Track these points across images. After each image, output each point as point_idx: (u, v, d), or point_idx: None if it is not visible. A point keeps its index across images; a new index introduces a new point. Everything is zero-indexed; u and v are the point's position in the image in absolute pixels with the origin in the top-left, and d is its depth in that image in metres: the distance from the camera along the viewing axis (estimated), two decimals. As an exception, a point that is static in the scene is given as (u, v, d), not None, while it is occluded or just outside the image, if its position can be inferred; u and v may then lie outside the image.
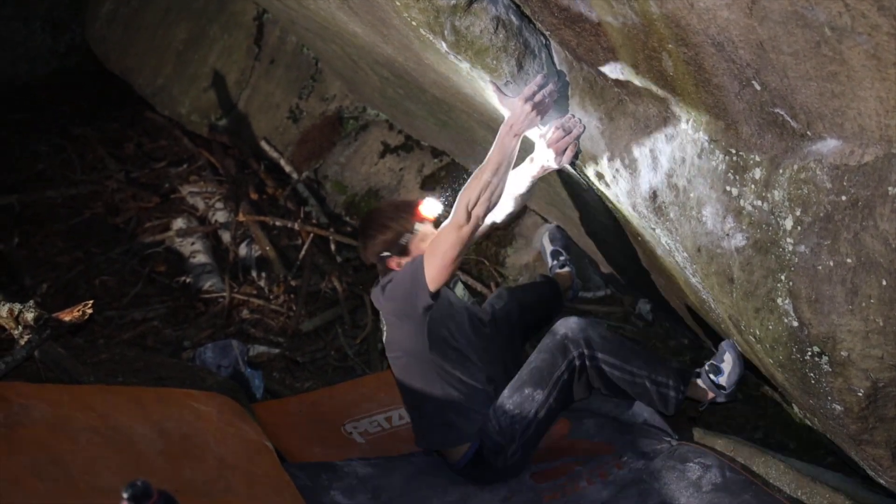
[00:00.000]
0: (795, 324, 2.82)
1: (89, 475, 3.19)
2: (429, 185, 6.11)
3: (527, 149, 3.52)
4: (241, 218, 6.38)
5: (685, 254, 3.19)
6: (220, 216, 6.61)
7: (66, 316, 4.05)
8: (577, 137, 3.36)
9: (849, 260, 2.55)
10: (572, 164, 3.50)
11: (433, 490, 3.88)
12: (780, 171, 2.68)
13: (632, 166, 3.19)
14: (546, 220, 5.42)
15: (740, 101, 2.66)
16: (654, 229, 3.26)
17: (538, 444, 3.82)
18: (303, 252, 6.00)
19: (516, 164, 3.52)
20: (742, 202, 2.84)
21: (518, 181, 3.75)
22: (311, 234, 6.15)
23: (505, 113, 3.32)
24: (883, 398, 2.80)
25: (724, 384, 3.61)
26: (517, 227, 5.65)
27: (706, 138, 2.91)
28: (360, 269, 5.97)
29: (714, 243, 3.01)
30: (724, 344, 3.61)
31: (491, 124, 3.89)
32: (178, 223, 6.58)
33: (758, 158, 2.75)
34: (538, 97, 3.21)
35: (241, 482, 3.59)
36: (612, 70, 3.07)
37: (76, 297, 5.32)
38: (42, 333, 3.98)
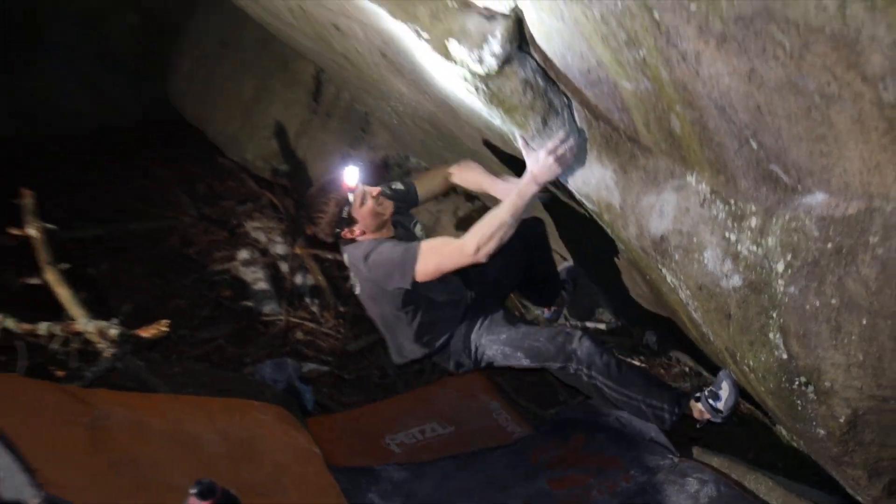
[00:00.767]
0: (785, 356, 2.80)
1: (161, 473, 3.21)
2: (463, 226, 6.10)
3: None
4: (297, 251, 6.42)
5: (688, 291, 3.17)
6: (279, 249, 6.65)
7: (145, 333, 4.10)
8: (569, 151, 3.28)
9: (833, 301, 2.54)
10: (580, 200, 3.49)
11: (459, 494, 3.87)
12: (774, 220, 2.67)
13: (642, 213, 3.18)
14: (564, 259, 5.41)
15: (739, 158, 2.66)
16: (660, 269, 3.25)
17: None
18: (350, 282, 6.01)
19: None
20: (739, 247, 2.83)
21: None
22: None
23: (529, 162, 3.33)
24: (862, 424, 2.77)
25: (721, 408, 3.58)
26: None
27: (708, 190, 2.91)
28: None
29: (714, 283, 2.99)
30: (721, 373, 3.59)
31: (516, 172, 3.90)
32: (243, 254, 6.62)
33: (754, 209, 2.75)
34: (560, 151, 3.22)
35: (293, 483, 3.60)
36: (627, 128, 3.08)
37: (153, 318, 5.33)
38: (124, 348, 4.03)
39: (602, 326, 5.35)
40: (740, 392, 3.56)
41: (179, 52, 8.96)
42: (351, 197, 3.64)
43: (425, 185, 4.13)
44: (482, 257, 3.44)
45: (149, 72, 9.24)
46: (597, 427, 4.11)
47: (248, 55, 8.18)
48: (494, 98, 3.19)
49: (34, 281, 4.95)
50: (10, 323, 4.22)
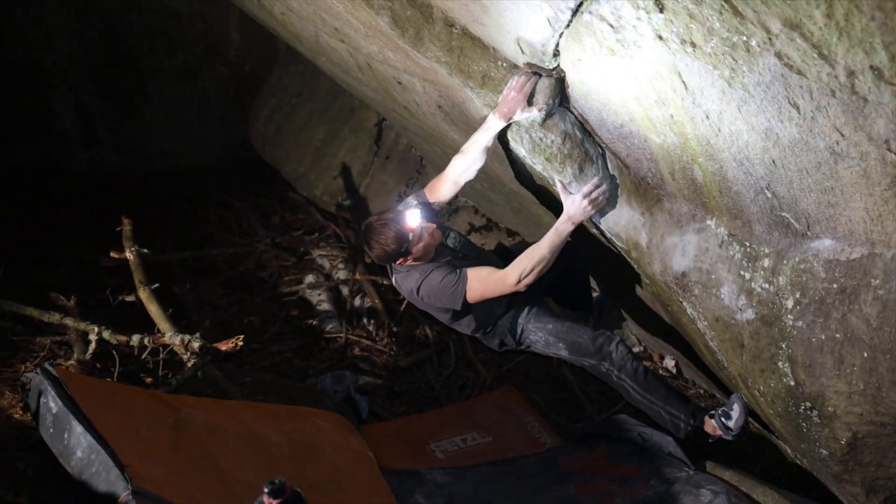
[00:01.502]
0: (792, 383, 2.77)
1: (236, 471, 3.24)
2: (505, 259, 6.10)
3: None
4: (357, 276, 6.46)
5: (706, 322, 3.15)
6: (341, 274, 6.69)
7: (223, 346, 4.14)
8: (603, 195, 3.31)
9: (837, 335, 2.51)
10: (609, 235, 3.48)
11: (496, 496, 3.86)
12: (785, 261, 2.65)
13: (666, 252, 3.18)
14: (594, 290, 5.38)
15: (754, 205, 2.65)
16: (681, 302, 3.24)
17: None
18: (403, 306, 6.04)
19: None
20: (753, 284, 2.81)
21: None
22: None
23: (566, 204, 3.33)
24: (861, 447, 2.73)
25: (732, 427, 3.54)
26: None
27: (726, 233, 2.90)
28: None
29: (729, 316, 2.97)
30: (733, 396, 3.55)
31: (554, 212, 3.90)
32: (309, 278, 6.67)
33: (767, 251, 2.73)
34: (594, 194, 3.24)
35: (349, 483, 3.61)
36: (654, 176, 3.08)
37: (230, 332, 5.40)
38: (204, 358, 4.07)
39: (626, 351, 5.31)
40: (750, 413, 3.52)
41: (261, 100, 9.13)
42: (410, 236, 3.65)
43: (434, 196, 4.01)
44: (522, 287, 3.47)
45: (233, 118, 9.43)
46: (620, 440, 4.08)
47: (320, 105, 8.31)
48: (537, 147, 3.21)
49: (129, 298, 5.04)
50: (107, 334, 4.30)
